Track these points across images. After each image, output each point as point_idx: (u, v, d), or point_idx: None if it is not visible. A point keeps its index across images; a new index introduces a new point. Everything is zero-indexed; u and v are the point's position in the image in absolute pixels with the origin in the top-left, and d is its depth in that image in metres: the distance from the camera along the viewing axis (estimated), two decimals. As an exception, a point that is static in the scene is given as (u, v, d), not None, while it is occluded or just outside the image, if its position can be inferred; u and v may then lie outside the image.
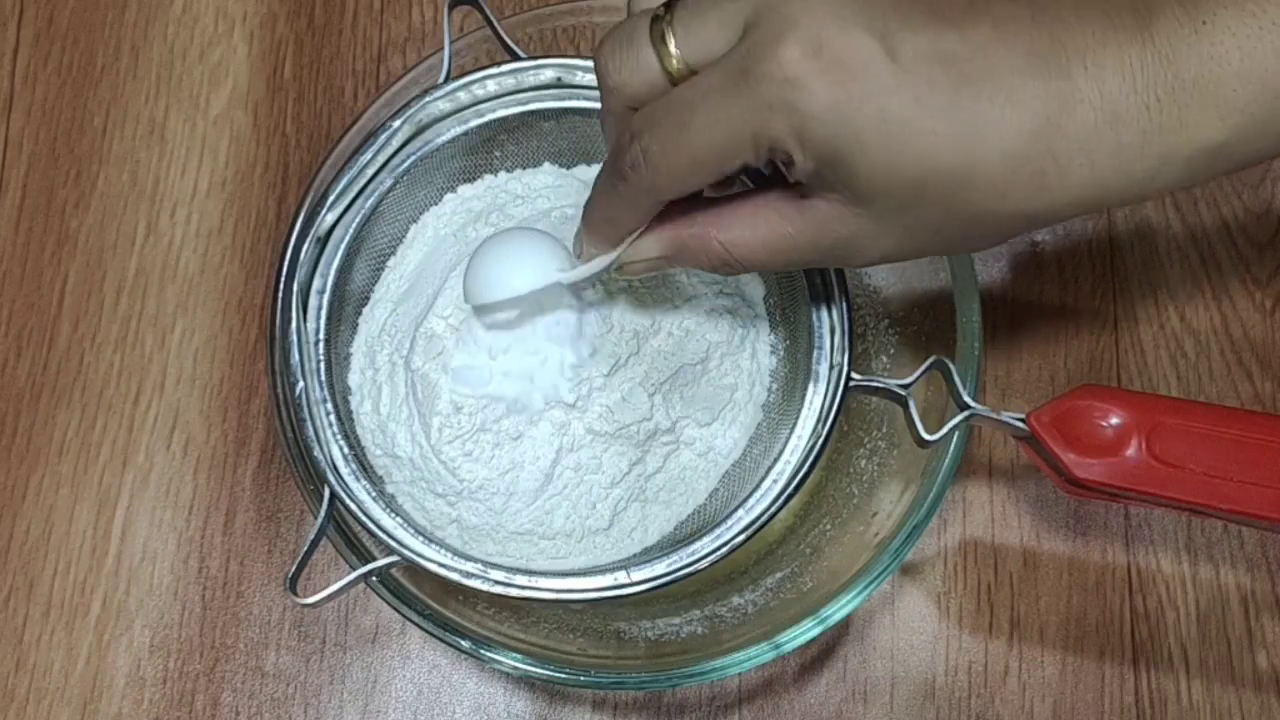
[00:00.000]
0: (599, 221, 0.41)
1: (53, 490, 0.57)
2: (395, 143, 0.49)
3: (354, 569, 0.45)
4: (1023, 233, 0.37)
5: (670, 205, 0.40)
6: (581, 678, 0.47)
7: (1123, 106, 0.35)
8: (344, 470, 0.46)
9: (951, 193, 0.36)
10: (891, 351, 0.55)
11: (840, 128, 0.34)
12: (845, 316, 0.47)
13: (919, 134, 0.34)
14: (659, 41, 0.36)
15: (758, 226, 0.39)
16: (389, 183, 0.49)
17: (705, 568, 0.45)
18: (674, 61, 0.36)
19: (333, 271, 0.48)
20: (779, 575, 0.52)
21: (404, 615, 0.47)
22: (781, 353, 0.50)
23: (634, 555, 0.48)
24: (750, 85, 0.34)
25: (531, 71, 0.49)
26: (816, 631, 0.47)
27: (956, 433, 0.46)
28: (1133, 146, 0.35)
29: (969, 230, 0.37)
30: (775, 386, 0.50)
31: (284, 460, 0.56)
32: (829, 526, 0.53)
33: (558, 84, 0.49)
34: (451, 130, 0.50)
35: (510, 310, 0.46)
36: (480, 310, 0.46)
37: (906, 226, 0.37)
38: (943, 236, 0.38)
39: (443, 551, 0.45)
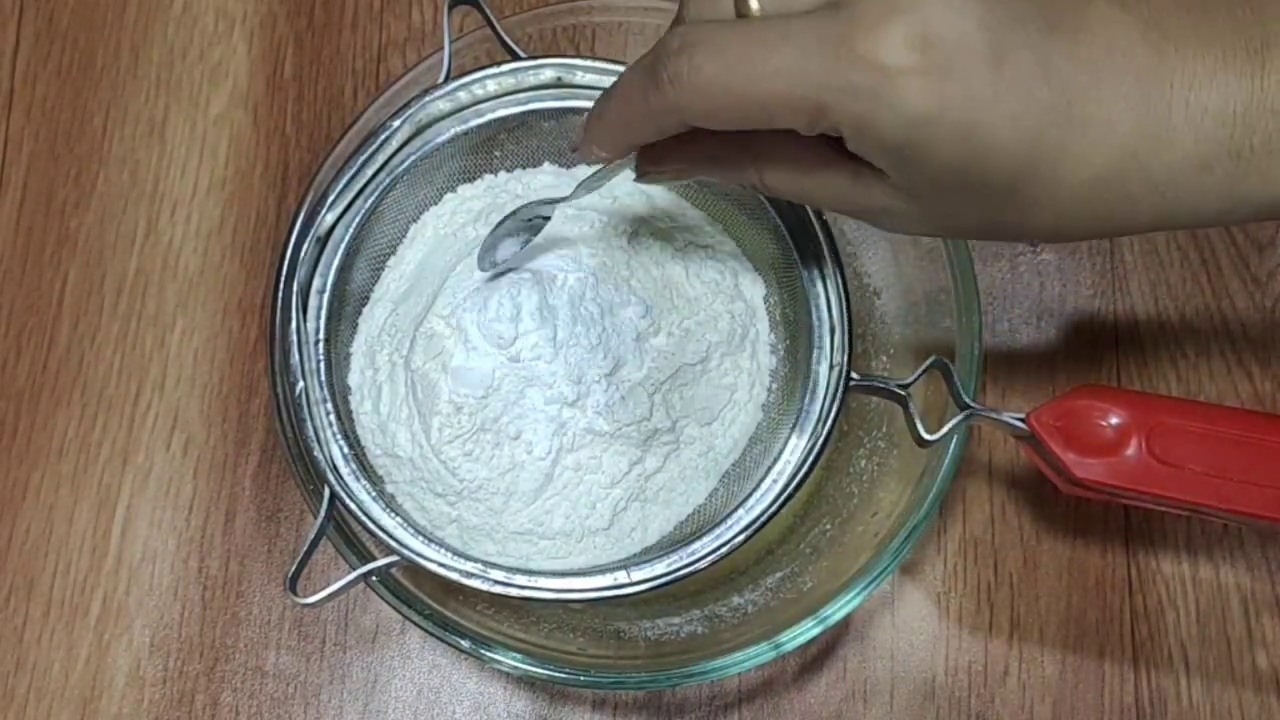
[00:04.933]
0: (612, 123, 0.37)
1: (53, 490, 0.57)
2: (395, 143, 0.49)
3: (354, 569, 0.45)
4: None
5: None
6: (581, 678, 0.47)
7: (1213, 154, 0.33)
8: (344, 470, 0.46)
9: (1013, 203, 0.34)
10: (891, 351, 0.55)
11: (921, 131, 0.32)
12: (845, 316, 0.47)
13: (1002, 150, 0.33)
14: None
15: (800, 174, 0.36)
16: (389, 183, 0.49)
17: (705, 568, 0.45)
18: (753, 7, 0.33)
19: (333, 271, 0.48)
20: (779, 575, 0.52)
21: (404, 615, 0.47)
22: (781, 353, 0.50)
23: (634, 555, 0.48)
24: (840, 56, 0.31)
25: (531, 71, 0.49)
26: (816, 631, 0.47)
27: (956, 433, 0.46)
28: (1213, 191, 0.34)
29: (1014, 231, 0.36)
30: (775, 386, 0.50)
31: (284, 460, 0.56)
32: (829, 526, 0.53)
33: (558, 84, 0.49)
34: (451, 130, 0.50)
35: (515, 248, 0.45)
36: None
37: (953, 218, 0.36)
38: (985, 229, 0.36)
39: (443, 551, 0.45)
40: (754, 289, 0.51)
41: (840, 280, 0.47)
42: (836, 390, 0.46)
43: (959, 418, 0.46)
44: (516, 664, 0.47)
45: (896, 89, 0.31)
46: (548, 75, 0.49)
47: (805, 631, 0.47)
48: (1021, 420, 0.45)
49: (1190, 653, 0.55)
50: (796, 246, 0.49)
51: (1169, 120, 0.33)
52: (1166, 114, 0.33)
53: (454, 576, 0.45)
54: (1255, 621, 0.55)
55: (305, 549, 0.44)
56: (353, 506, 0.45)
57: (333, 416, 0.47)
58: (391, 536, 0.45)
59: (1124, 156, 0.33)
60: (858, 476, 0.54)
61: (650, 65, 0.34)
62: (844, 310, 0.47)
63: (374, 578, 0.46)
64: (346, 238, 0.49)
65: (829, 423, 0.46)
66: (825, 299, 0.48)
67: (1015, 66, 0.32)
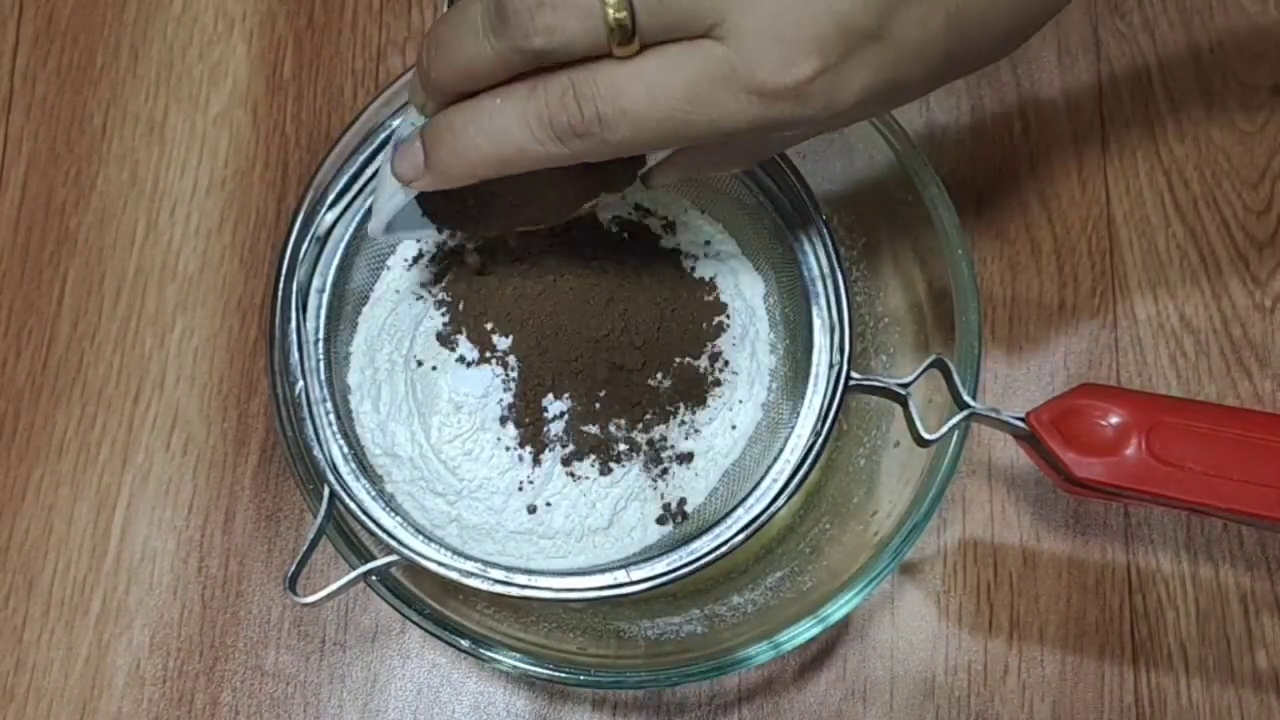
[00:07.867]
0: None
1: (52, 490, 0.57)
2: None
3: (354, 568, 0.45)
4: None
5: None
6: (581, 677, 0.47)
7: None
8: (344, 469, 0.46)
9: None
10: (891, 351, 0.55)
11: (847, 116, 0.36)
12: (845, 316, 0.47)
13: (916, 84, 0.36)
14: None
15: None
16: (389, 182, 0.49)
17: (705, 567, 0.45)
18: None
19: (332, 270, 0.48)
20: (779, 574, 0.52)
21: (404, 614, 0.47)
22: (781, 352, 0.50)
23: (634, 554, 0.48)
24: (747, 97, 0.34)
25: (531, 71, 0.49)
26: (816, 631, 0.47)
27: (956, 432, 0.46)
28: None
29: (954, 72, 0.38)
30: (775, 386, 0.50)
31: (284, 460, 0.56)
32: (829, 526, 0.53)
33: (557, 83, 0.49)
34: (451, 129, 0.50)
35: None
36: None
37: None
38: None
39: (442, 550, 0.45)
40: (754, 289, 0.51)
41: (840, 280, 0.47)
42: (836, 389, 0.46)
43: (959, 417, 0.46)
44: (516, 664, 0.47)
45: (810, 100, 0.34)
46: (547, 74, 0.49)
47: (805, 631, 0.47)
48: (1021, 420, 0.45)
49: (1190, 652, 0.55)
50: (796, 246, 0.49)
51: None
52: None
53: (453, 576, 0.45)
54: (1255, 621, 0.55)
55: (305, 548, 0.44)
56: (352, 506, 0.45)
57: (332, 416, 0.47)
58: (391, 536, 0.45)
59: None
60: (857, 476, 0.54)
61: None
62: (844, 310, 0.47)
63: (374, 577, 0.46)
64: (346, 237, 0.49)
65: (828, 422, 0.46)
66: (825, 299, 0.48)
67: (904, 25, 0.34)
